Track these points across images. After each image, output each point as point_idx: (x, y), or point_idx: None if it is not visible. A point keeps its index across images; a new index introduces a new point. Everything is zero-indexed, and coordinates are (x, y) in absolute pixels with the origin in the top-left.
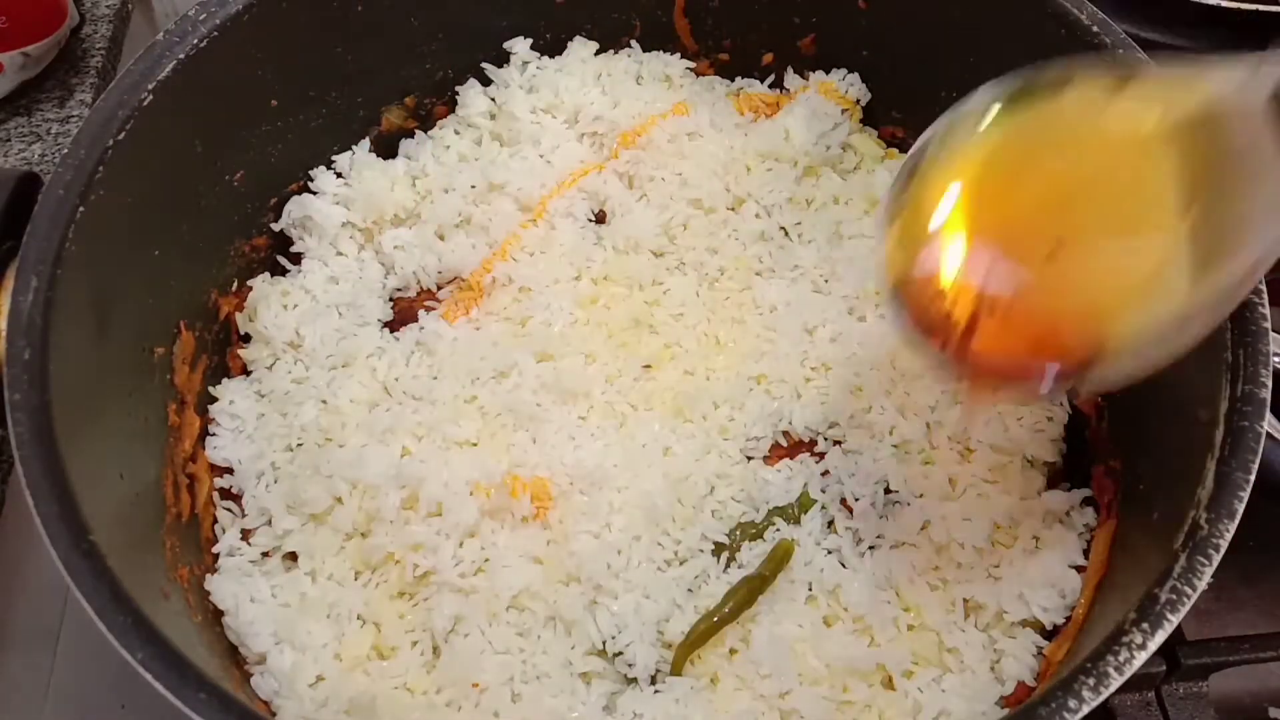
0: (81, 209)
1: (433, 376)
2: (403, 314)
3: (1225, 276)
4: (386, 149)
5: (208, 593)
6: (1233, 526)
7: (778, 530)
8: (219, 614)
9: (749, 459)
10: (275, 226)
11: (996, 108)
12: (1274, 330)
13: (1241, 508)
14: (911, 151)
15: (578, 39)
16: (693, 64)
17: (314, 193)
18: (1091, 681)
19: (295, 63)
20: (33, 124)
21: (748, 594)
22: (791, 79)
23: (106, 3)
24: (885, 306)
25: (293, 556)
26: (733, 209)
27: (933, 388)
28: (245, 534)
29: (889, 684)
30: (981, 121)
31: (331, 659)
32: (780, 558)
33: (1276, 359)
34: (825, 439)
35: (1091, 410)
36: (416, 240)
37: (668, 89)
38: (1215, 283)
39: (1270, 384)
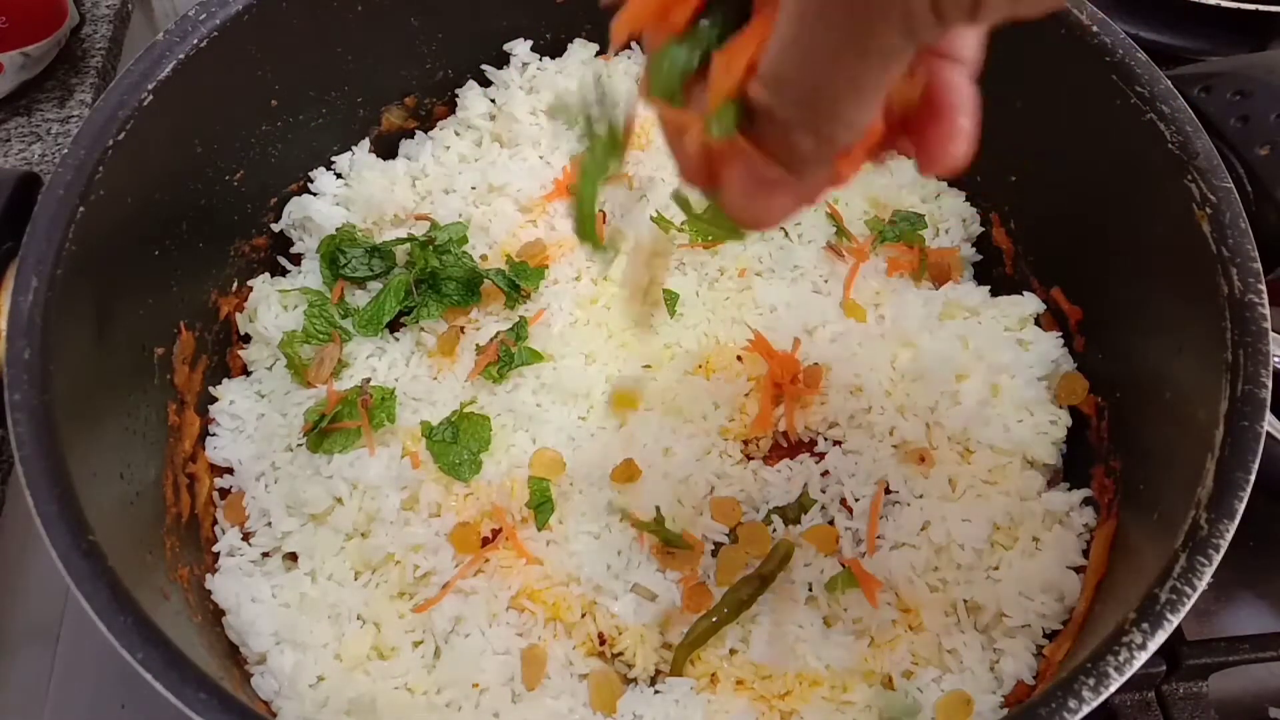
0: (81, 209)
1: (433, 377)
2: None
3: None
4: (386, 149)
5: (208, 593)
6: (1233, 526)
7: (776, 530)
8: (219, 614)
9: (749, 459)
10: (275, 227)
11: None
12: (1274, 330)
13: (1241, 508)
14: None
15: (578, 40)
16: None
17: (314, 193)
18: (1091, 681)
19: (295, 63)
20: (33, 124)
21: (748, 594)
22: None
23: (106, 3)
24: None
25: (293, 557)
26: None
27: (933, 388)
28: (245, 534)
29: (889, 684)
30: None
31: (332, 659)
32: (780, 558)
33: (1276, 359)
34: (825, 439)
35: (1092, 411)
36: None
37: None
38: None
39: (1270, 384)
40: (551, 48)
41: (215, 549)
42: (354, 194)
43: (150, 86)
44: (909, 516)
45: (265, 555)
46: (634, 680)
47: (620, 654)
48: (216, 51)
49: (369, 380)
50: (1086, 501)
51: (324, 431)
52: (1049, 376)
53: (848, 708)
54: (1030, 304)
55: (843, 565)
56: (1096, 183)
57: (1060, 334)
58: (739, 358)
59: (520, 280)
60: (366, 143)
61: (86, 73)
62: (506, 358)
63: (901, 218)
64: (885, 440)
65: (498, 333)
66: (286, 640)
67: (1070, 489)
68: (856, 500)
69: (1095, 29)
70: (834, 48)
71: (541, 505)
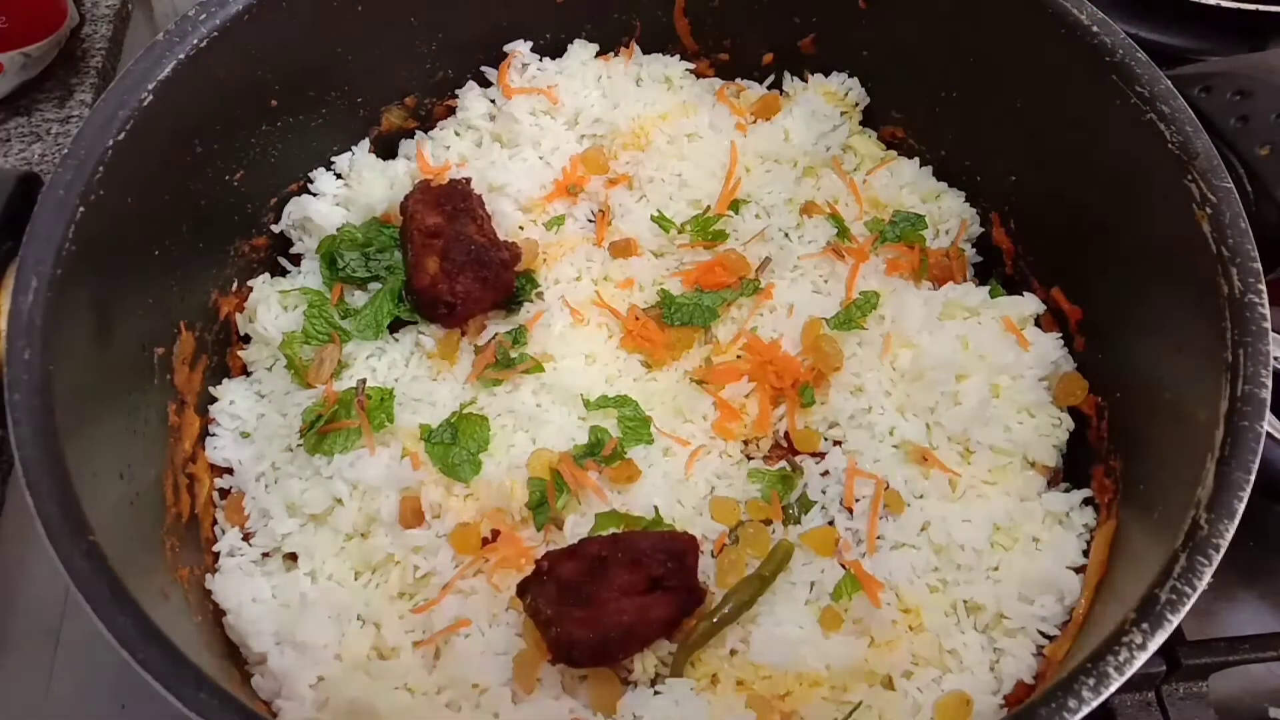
0: (81, 209)
1: (432, 378)
2: None
3: None
4: (386, 149)
5: (208, 592)
6: (1233, 526)
7: (776, 531)
8: (219, 614)
9: (749, 459)
10: (275, 228)
11: None
12: (1274, 330)
13: (1241, 508)
14: None
15: (578, 41)
16: (692, 65)
17: (314, 194)
18: (1091, 681)
19: (295, 63)
20: (33, 124)
21: (748, 594)
22: (790, 82)
23: (106, 3)
24: None
25: (293, 557)
26: (733, 209)
27: (933, 388)
28: (245, 534)
29: (889, 684)
30: None
31: (332, 659)
32: (780, 558)
33: (1276, 359)
34: (825, 439)
35: (1092, 410)
36: None
37: (667, 91)
38: None
39: (1270, 384)
40: (551, 48)
41: (215, 549)
42: (354, 194)
43: (150, 86)
44: (909, 517)
45: (265, 555)
46: (634, 683)
47: None
48: (216, 51)
49: (365, 381)
50: (1086, 501)
51: (321, 432)
52: (1049, 377)
53: (848, 708)
54: (1030, 304)
55: (843, 567)
56: (1097, 183)
57: (1060, 334)
58: (739, 357)
59: (518, 291)
60: (366, 143)
61: (86, 73)
62: (504, 359)
63: (901, 218)
64: (885, 440)
65: (495, 334)
66: (286, 640)
67: (1070, 489)
68: (856, 500)
69: (1095, 29)
70: None
71: (541, 505)
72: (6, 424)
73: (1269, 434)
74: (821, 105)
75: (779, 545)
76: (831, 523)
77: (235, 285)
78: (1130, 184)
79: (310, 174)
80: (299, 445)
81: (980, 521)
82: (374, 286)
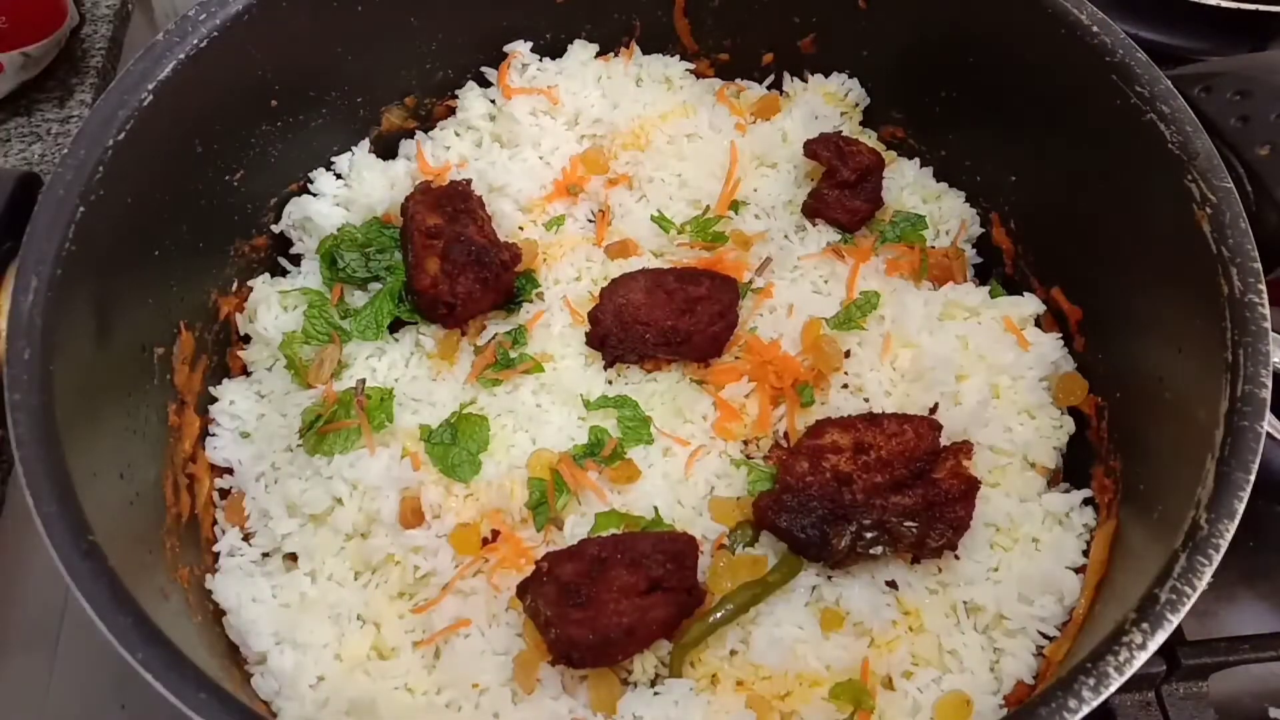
0: (81, 209)
1: (432, 378)
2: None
3: None
4: (386, 149)
5: (208, 592)
6: (1233, 526)
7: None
8: (219, 614)
9: (749, 459)
10: (275, 228)
11: None
12: (1274, 330)
13: (1241, 508)
14: None
15: (578, 42)
16: (692, 65)
17: (314, 194)
18: (1091, 681)
19: (295, 63)
20: (33, 124)
21: (747, 599)
22: (790, 82)
23: (106, 3)
24: None
25: (293, 557)
26: (733, 210)
27: (933, 388)
28: (245, 535)
29: (889, 684)
30: None
31: (332, 659)
32: (788, 570)
33: (1276, 359)
34: None
35: (1092, 410)
36: None
37: (667, 91)
38: None
39: (1270, 384)
40: (551, 48)
41: (215, 549)
42: (354, 194)
43: (150, 86)
44: None
45: (265, 555)
46: (634, 683)
47: None
48: (216, 51)
49: (364, 381)
50: (1086, 502)
51: (321, 432)
52: (1049, 378)
53: (847, 708)
54: (1030, 304)
55: None
56: (1097, 183)
57: (1060, 334)
58: (738, 358)
59: (518, 292)
60: (366, 143)
61: (86, 73)
62: (504, 359)
63: (902, 218)
64: None
65: (495, 334)
66: (286, 640)
67: (1070, 489)
68: None
69: (1095, 29)
70: None
71: (541, 505)
72: (6, 424)
73: (1269, 434)
74: (821, 105)
75: (786, 558)
76: None
77: (235, 285)
78: (1130, 184)
79: (310, 174)
80: (299, 445)
81: (980, 522)
82: (374, 287)
